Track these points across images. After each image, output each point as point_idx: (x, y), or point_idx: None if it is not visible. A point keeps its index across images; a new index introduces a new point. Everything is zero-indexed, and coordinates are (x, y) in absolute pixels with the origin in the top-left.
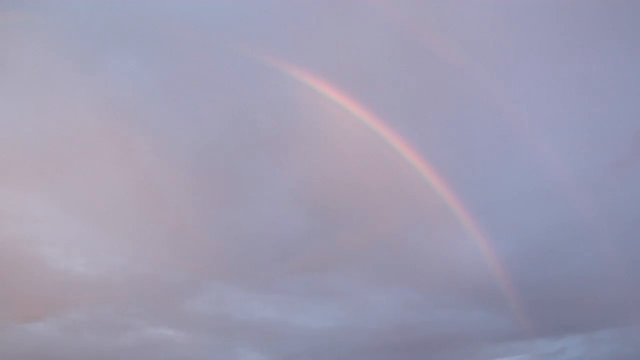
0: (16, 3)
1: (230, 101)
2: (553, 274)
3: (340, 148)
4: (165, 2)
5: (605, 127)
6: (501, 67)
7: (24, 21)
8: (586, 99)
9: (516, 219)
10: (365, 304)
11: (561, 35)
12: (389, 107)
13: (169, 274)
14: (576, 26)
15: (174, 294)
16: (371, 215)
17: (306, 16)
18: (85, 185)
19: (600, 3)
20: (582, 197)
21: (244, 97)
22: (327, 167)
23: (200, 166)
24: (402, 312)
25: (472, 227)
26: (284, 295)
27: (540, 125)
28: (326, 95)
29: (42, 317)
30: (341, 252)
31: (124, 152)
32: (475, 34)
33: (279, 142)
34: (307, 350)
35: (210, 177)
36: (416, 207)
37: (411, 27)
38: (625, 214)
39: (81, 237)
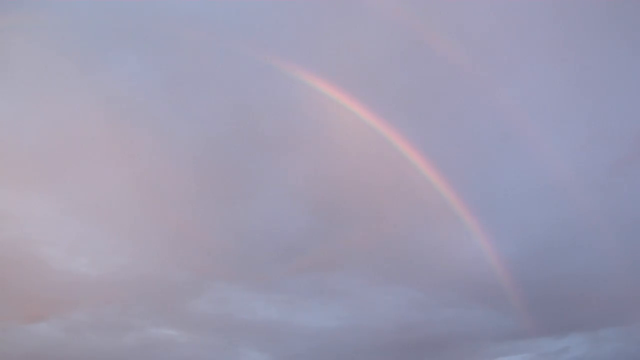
0: (17, 3)
1: (233, 101)
2: (556, 273)
3: (342, 148)
4: (167, 2)
5: (608, 126)
6: (504, 66)
7: (25, 21)
8: (589, 97)
9: (519, 218)
10: (368, 303)
11: (564, 34)
12: (392, 107)
13: (172, 273)
14: (579, 24)
15: (176, 294)
16: (374, 215)
17: (309, 16)
18: (88, 186)
19: (603, 1)
20: (585, 196)
21: (247, 96)
22: (330, 166)
23: (203, 166)
24: (405, 311)
25: (474, 226)
26: (287, 295)
27: (543, 123)
28: (329, 95)
29: (44, 317)
30: (344, 251)
31: (126, 152)
32: (478, 33)
33: (281, 142)
34: (310, 349)
35: (213, 177)
36: (419, 206)
37: (414, 26)
38: (628, 212)
39: (83, 238)
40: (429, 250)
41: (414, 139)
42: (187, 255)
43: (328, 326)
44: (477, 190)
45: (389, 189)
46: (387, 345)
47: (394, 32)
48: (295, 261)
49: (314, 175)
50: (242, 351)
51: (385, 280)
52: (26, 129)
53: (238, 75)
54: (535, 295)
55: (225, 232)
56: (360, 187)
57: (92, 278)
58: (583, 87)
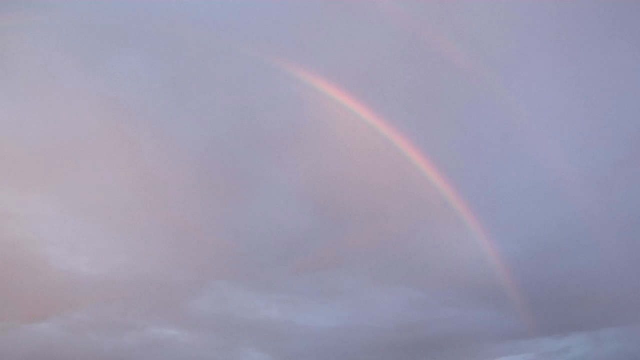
0: (19, 3)
1: (234, 100)
2: (557, 272)
3: (344, 147)
4: (168, 1)
5: (609, 125)
6: (505, 66)
7: (26, 21)
8: (590, 97)
9: (520, 218)
10: (369, 303)
11: (564, 34)
12: (393, 106)
13: (173, 273)
14: (579, 24)
15: (177, 294)
16: (375, 215)
17: (310, 15)
18: (89, 185)
19: (603, 1)
20: (586, 195)
21: (248, 96)
22: (331, 166)
23: (204, 165)
24: (406, 311)
25: (475, 226)
26: (288, 295)
27: (544, 123)
28: (330, 95)
29: (45, 317)
30: (345, 251)
31: (128, 151)
32: (479, 33)
33: (283, 142)
34: (311, 349)
35: (214, 176)
36: (420, 206)
37: (414, 26)
38: (629, 212)
39: (84, 237)
40: (429, 250)
41: (414, 138)
42: (188, 255)
43: (329, 326)
44: (477, 189)
45: (390, 189)
46: (388, 344)
47: (395, 32)
48: (296, 261)
49: (315, 175)
50: (243, 351)
51: (385, 280)
52: (27, 128)
53: (239, 75)
54: (536, 295)
55: (226, 232)
56: (360, 186)
57: (93, 277)
58: (583, 87)
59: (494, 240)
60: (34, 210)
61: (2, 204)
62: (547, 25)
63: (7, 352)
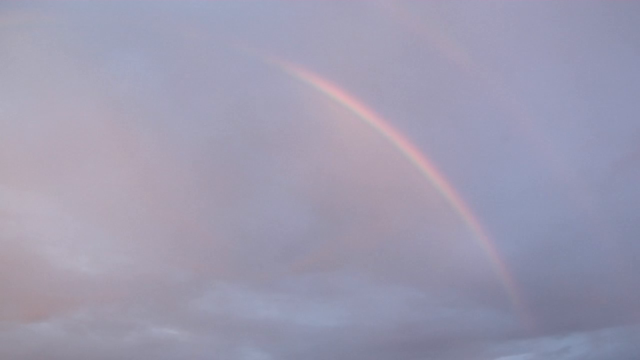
0: (17, 3)
1: (234, 100)
2: (557, 272)
3: (344, 147)
4: (168, 1)
5: (609, 126)
6: (505, 67)
7: (26, 20)
8: (590, 97)
9: (519, 218)
10: (369, 302)
11: (564, 34)
12: (393, 107)
13: (173, 273)
14: (579, 25)
15: (177, 293)
16: (375, 215)
17: (311, 15)
18: (89, 185)
19: (603, 2)
20: (585, 196)
21: (248, 96)
22: (331, 166)
23: (203, 165)
24: (406, 310)
25: (475, 226)
26: (288, 295)
27: (544, 124)
28: (330, 95)
29: (45, 316)
30: (345, 251)
31: (128, 151)
32: (479, 33)
33: (283, 141)
34: (311, 349)
35: (214, 176)
36: (420, 206)
37: (415, 26)
38: (629, 212)
39: (84, 237)
40: (429, 250)
41: (415, 138)
42: (188, 255)
43: (329, 326)
44: (477, 190)
45: (390, 189)
46: (387, 344)
47: (395, 32)
48: (295, 261)
49: (315, 175)
50: (243, 351)
51: (385, 280)
52: (27, 128)
53: (239, 75)
54: (536, 295)
55: (226, 232)
56: (360, 186)
57: (93, 277)
58: (583, 87)
59: (494, 240)
60: (34, 209)
61: (2, 204)
62: (547, 26)
63: (7, 352)
